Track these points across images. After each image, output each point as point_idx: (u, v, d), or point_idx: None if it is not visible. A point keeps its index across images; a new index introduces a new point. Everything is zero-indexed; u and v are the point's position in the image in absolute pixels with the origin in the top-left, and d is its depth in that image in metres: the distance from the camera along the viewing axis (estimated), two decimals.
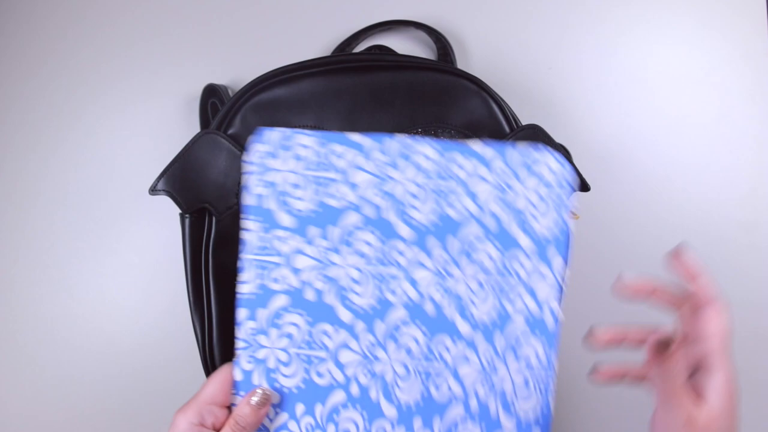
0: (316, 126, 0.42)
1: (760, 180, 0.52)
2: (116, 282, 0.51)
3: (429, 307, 0.35)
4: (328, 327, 0.35)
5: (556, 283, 0.35)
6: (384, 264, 0.35)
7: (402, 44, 0.52)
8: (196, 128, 0.49)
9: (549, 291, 0.35)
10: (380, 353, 0.35)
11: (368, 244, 0.35)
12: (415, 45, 0.53)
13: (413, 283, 0.35)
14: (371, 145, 0.35)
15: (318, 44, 0.52)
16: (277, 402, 0.35)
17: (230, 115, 0.41)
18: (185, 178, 0.38)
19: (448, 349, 0.35)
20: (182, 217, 0.39)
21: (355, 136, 0.35)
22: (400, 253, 0.35)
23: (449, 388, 0.35)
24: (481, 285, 0.35)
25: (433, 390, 0.35)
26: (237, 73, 0.52)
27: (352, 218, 0.35)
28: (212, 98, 0.48)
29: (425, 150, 0.35)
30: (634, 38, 0.53)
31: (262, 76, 0.42)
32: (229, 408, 0.34)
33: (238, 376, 0.35)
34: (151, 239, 0.51)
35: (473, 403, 0.35)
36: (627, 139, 0.52)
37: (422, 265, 0.35)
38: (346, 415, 0.35)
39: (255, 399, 0.33)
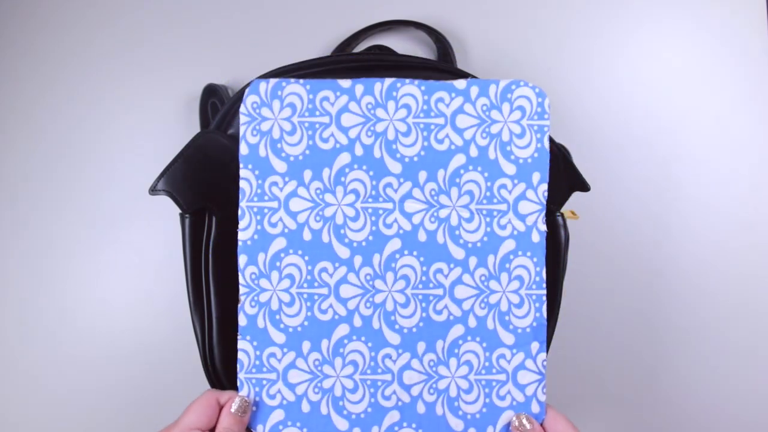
0: None
1: (760, 180, 0.52)
2: (116, 282, 0.51)
3: (423, 237, 0.36)
4: (327, 264, 0.36)
5: (541, 204, 0.37)
6: (377, 199, 0.36)
7: (402, 44, 0.52)
8: (196, 128, 0.49)
9: (535, 212, 0.36)
10: (379, 284, 0.36)
11: (361, 181, 0.36)
12: (415, 45, 0.53)
13: (406, 215, 0.36)
14: (359, 90, 0.36)
15: (318, 44, 0.52)
16: (253, 409, 0.35)
17: (230, 115, 0.40)
18: (185, 178, 0.38)
19: (444, 275, 0.36)
20: (182, 217, 0.39)
21: (345, 82, 0.36)
22: (392, 188, 0.36)
23: (448, 311, 0.36)
24: (471, 212, 0.36)
25: (432, 314, 0.36)
26: (237, 73, 0.52)
27: (344, 159, 0.36)
28: (212, 98, 0.48)
29: (411, 90, 0.36)
30: (635, 38, 0.53)
31: (261, 76, 0.42)
32: (212, 431, 0.33)
33: (243, 321, 0.36)
34: (151, 239, 0.51)
35: (472, 323, 0.36)
36: (627, 139, 0.52)
37: (414, 197, 0.36)
38: (351, 347, 0.36)
39: (234, 407, 0.33)
